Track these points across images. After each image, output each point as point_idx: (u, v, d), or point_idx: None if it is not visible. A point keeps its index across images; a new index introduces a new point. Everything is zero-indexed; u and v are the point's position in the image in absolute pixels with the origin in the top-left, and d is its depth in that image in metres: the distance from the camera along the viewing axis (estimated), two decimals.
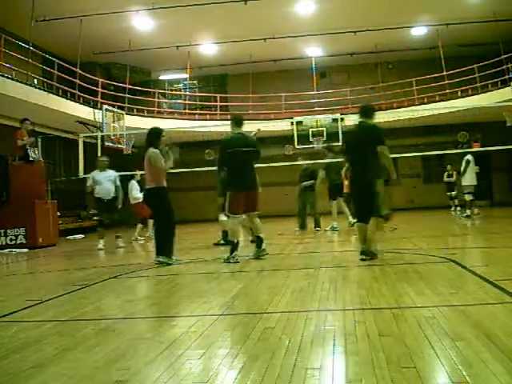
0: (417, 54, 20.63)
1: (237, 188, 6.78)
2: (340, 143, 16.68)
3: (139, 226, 12.25)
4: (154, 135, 7.08)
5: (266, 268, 6.07)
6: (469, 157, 13.19)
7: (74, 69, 16.24)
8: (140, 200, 11.00)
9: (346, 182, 13.62)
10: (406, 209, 19.38)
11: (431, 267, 5.51)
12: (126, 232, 11.82)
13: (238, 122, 7.01)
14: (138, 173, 12.03)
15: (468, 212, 13.29)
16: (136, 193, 11.95)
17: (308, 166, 12.37)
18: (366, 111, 6.25)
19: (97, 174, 10.24)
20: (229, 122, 7.23)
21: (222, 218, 8.91)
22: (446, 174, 17.40)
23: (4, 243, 11.09)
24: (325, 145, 11.81)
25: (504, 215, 14.39)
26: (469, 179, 13.17)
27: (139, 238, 11.98)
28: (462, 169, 13.29)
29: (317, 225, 11.73)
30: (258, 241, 6.87)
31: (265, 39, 18.33)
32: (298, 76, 21.66)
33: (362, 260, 5.91)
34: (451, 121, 16.39)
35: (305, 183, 11.92)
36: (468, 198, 13.36)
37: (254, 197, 6.86)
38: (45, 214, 11.60)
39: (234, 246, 6.68)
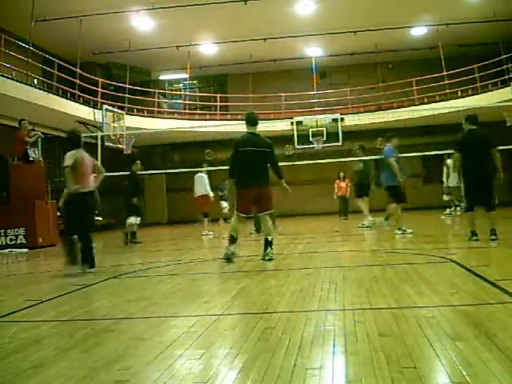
0: (417, 54, 20.63)
1: (245, 185, 6.69)
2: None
3: (205, 220, 12.65)
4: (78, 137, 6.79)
5: (266, 268, 6.07)
6: (449, 161, 13.88)
7: (73, 69, 16.25)
8: (206, 193, 12.24)
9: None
10: (406, 209, 19.34)
11: (431, 267, 5.51)
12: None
13: (250, 121, 6.90)
14: (205, 168, 12.75)
15: (448, 211, 14.56)
16: (205, 186, 12.47)
17: None
18: (476, 120, 7.40)
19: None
20: (228, 122, 7.22)
21: (130, 221, 10.38)
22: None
23: (4, 243, 11.09)
24: (360, 144, 11.98)
25: (504, 215, 14.33)
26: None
27: (208, 232, 12.36)
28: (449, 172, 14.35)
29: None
30: (265, 243, 6.73)
31: (265, 39, 18.33)
32: (297, 76, 21.66)
33: (493, 240, 6.95)
34: (451, 121, 16.36)
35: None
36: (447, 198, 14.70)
37: (263, 194, 6.74)
38: (45, 214, 11.60)
39: (232, 241, 6.71)
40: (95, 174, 6.75)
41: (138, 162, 11.41)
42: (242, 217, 6.81)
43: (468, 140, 7.34)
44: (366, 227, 11.32)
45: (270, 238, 6.74)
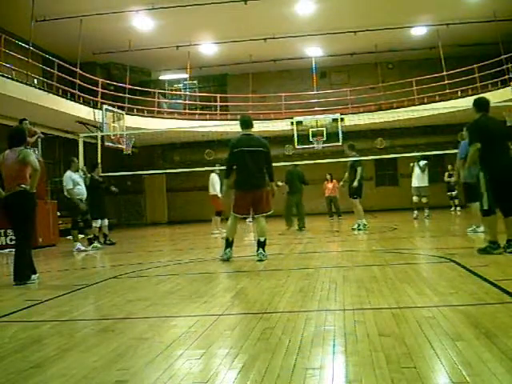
0: (417, 54, 20.64)
1: (240, 187, 6.82)
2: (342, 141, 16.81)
3: (217, 218, 13.01)
4: (22, 135, 6.24)
5: (266, 268, 6.07)
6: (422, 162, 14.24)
7: (73, 69, 16.25)
8: (214, 193, 12.60)
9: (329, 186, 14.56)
10: (405, 209, 19.38)
11: (431, 267, 5.52)
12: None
13: (243, 123, 7.06)
14: (218, 167, 12.83)
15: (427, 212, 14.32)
16: (213, 186, 12.81)
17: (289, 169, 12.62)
18: (487, 105, 6.21)
19: (73, 175, 10.22)
20: (228, 122, 7.27)
21: (95, 224, 10.62)
22: (446, 173, 17.42)
23: (4, 243, 11.08)
24: (349, 143, 11.88)
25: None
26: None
27: (222, 229, 12.50)
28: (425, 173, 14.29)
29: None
30: (257, 244, 6.81)
31: (265, 39, 18.33)
32: (297, 76, 21.68)
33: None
34: (451, 121, 16.38)
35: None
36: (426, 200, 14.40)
37: (260, 197, 6.80)
38: (45, 213, 11.59)
39: (228, 244, 6.78)
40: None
41: (99, 167, 11.55)
42: (239, 218, 6.86)
43: (490, 128, 6.00)
44: (366, 227, 11.21)
45: (262, 239, 6.78)
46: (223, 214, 12.87)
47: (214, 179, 12.89)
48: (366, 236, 10.16)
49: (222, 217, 12.88)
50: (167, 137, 18.44)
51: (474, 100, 6.35)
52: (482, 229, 8.37)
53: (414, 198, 14.37)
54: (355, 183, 11.07)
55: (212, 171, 13.18)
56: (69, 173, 10.21)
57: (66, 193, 10.17)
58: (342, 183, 12.01)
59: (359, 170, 11.08)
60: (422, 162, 14.24)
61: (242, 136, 6.96)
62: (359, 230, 11.05)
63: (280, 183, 12.37)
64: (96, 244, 10.29)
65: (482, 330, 2.79)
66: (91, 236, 10.41)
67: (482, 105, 6.20)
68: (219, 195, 12.65)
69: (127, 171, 16.23)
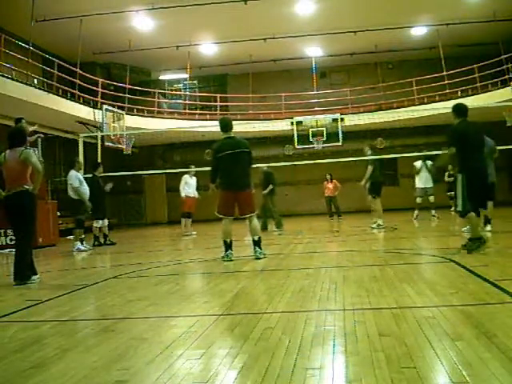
0: (417, 54, 20.63)
1: (225, 188, 6.85)
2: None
3: (189, 220, 13.33)
4: (23, 134, 6.15)
5: (266, 268, 6.07)
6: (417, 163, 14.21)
7: (73, 69, 16.25)
8: (192, 195, 12.83)
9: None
10: (405, 209, 19.39)
11: (431, 267, 5.52)
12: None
13: (224, 126, 7.00)
14: (193, 169, 13.09)
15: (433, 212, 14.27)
16: (190, 187, 13.00)
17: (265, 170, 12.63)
18: (466, 110, 6.42)
19: (79, 175, 10.28)
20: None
21: (95, 225, 10.94)
22: (446, 173, 17.40)
23: (4, 243, 11.08)
24: (369, 143, 11.88)
25: (504, 215, 14.37)
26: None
27: (193, 232, 13.09)
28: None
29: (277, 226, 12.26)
30: (253, 243, 6.93)
31: (265, 39, 18.32)
32: (298, 76, 21.66)
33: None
34: (451, 121, 16.36)
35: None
36: (432, 199, 14.34)
37: (245, 198, 6.89)
38: (45, 213, 11.59)
39: (227, 246, 6.85)
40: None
41: (101, 166, 11.56)
42: (230, 219, 6.87)
43: (471, 132, 6.23)
44: (381, 227, 11.17)
45: (256, 238, 6.89)
46: (188, 215, 13.23)
47: (188, 180, 13.01)
48: (366, 236, 10.17)
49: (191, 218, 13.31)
50: (167, 137, 18.44)
51: (453, 106, 6.55)
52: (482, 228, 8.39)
53: (418, 200, 14.31)
54: (362, 182, 11.22)
55: (187, 172, 13.26)
56: (74, 172, 10.28)
57: (70, 192, 10.18)
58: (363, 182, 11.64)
59: (369, 169, 11.17)
60: (429, 163, 14.14)
61: (224, 140, 6.93)
62: (376, 228, 11.08)
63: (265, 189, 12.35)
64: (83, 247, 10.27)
65: (481, 330, 2.79)
66: (82, 237, 10.37)
67: (461, 111, 6.40)
68: (196, 196, 12.91)
69: (127, 171, 16.23)
